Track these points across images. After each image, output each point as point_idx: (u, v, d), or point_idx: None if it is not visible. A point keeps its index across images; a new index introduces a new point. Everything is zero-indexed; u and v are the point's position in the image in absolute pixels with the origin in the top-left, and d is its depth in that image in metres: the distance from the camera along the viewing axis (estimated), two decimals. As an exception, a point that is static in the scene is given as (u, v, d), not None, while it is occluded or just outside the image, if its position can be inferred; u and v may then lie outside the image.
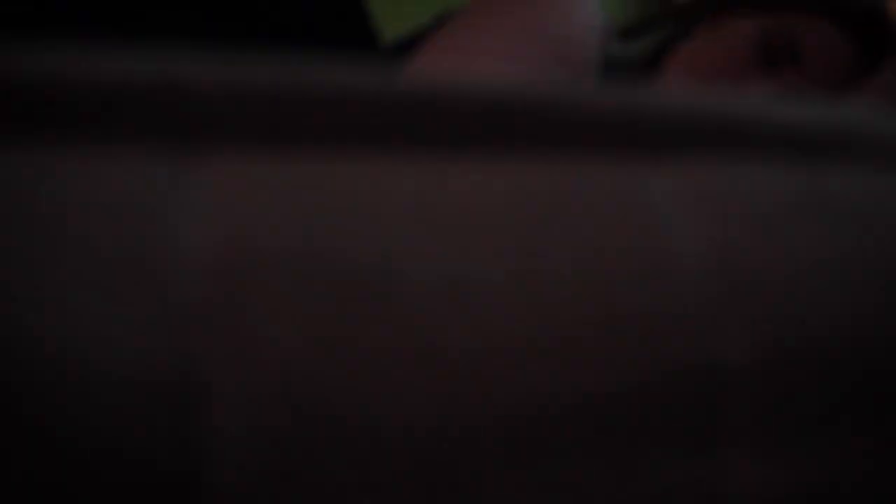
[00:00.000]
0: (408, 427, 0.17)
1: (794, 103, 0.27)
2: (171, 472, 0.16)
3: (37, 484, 0.15)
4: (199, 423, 0.16)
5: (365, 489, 0.17)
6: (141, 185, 0.19)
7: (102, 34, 0.56)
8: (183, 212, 0.18)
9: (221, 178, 0.19)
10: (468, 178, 0.21)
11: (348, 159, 0.21)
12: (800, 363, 0.21)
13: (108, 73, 0.19)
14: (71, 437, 0.15)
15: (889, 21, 0.90)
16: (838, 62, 0.86)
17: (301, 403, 0.17)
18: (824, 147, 0.27)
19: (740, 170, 0.25)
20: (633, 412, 0.19)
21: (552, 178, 0.22)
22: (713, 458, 0.20)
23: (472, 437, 0.18)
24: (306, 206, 0.19)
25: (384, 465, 0.17)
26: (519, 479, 0.18)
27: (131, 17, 0.63)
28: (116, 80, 0.19)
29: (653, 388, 0.20)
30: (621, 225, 0.22)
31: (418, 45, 0.87)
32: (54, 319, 0.17)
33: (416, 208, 0.20)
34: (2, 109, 0.18)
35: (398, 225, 0.20)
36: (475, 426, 0.18)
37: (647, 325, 0.21)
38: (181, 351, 0.17)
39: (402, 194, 0.21)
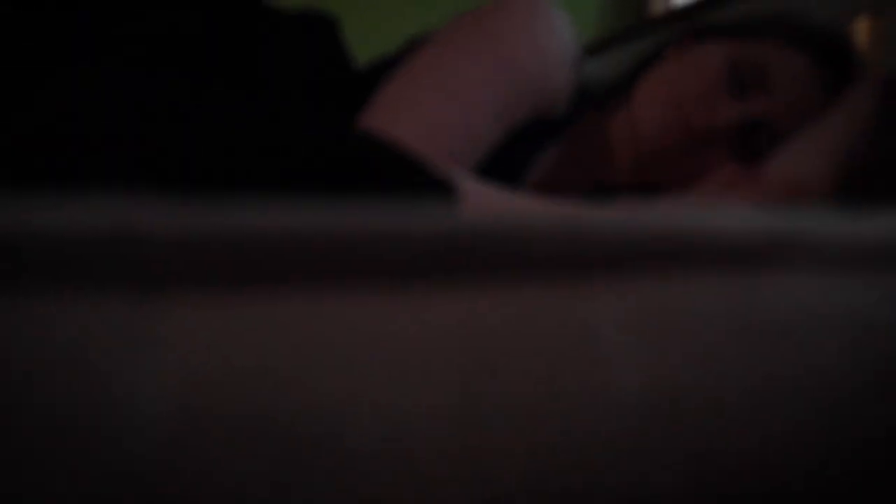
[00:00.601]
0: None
1: (728, 214, 0.29)
2: None
3: None
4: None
5: None
6: (98, 333, 0.20)
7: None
8: (139, 369, 0.19)
9: (179, 327, 0.20)
10: (412, 313, 0.23)
11: (298, 301, 0.22)
12: (718, 495, 0.22)
13: (63, 225, 0.20)
14: None
15: (851, 48, 0.92)
16: (807, 89, 0.87)
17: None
18: (760, 257, 0.29)
19: (680, 287, 0.26)
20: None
21: (497, 311, 0.23)
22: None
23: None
24: (258, 354, 0.20)
25: None
26: None
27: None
28: (73, 230, 0.20)
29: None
30: (570, 358, 0.23)
31: (392, 67, 0.87)
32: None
33: (360, 348, 0.22)
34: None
35: (343, 367, 0.21)
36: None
37: (587, 459, 0.22)
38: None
39: (348, 334, 0.22)
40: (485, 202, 0.66)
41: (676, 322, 0.25)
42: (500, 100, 0.81)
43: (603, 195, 0.99)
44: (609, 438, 0.22)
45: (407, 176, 0.48)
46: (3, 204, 0.20)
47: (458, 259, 0.23)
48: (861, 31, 1.87)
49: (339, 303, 0.22)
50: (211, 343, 0.20)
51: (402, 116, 0.77)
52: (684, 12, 2.06)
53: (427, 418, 0.20)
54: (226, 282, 0.21)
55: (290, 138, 0.45)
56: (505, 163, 0.87)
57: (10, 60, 0.47)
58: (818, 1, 1.57)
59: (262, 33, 0.88)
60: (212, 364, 0.20)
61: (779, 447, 0.23)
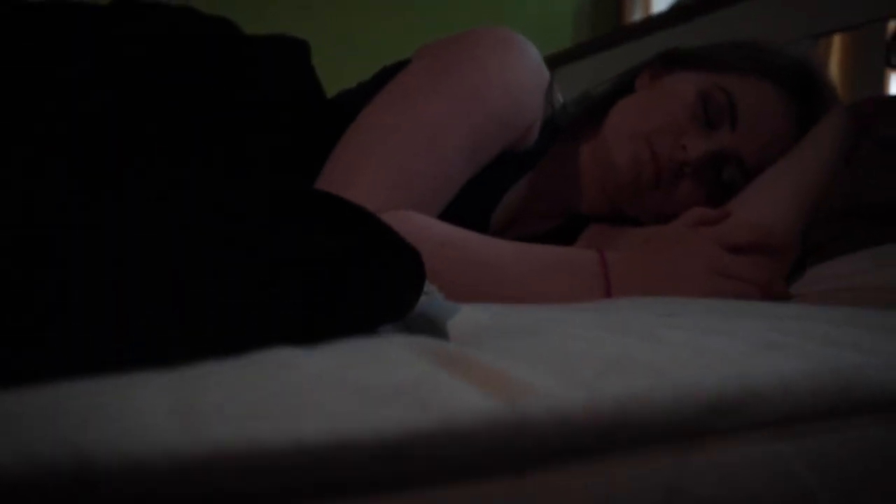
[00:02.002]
0: None
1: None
2: None
3: None
4: None
5: None
6: None
7: None
8: None
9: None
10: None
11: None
12: None
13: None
14: None
15: (821, 79, 0.92)
16: (777, 121, 0.88)
17: None
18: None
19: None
20: None
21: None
22: None
23: None
24: None
25: None
26: None
27: None
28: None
29: None
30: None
31: (364, 97, 0.87)
32: None
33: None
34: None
35: None
36: None
37: None
38: None
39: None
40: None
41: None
42: (469, 143, 0.80)
43: (574, 223, 0.99)
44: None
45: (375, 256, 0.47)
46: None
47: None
48: (833, 46, 1.90)
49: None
50: None
51: (370, 163, 0.77)
52: (659, 21, 2.07)
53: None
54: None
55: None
56: (476, 196, 0.87)
57: None
58: (792, 18, 1.59)
59: (236, 57, 0.88)
60: None
61: None
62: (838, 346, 0.36)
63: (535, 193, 0.96)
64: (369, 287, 0.44)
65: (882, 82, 1.80)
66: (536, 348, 0.35)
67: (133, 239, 0.39)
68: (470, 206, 0.87)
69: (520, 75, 0.86)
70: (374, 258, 0.45)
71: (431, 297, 0.66)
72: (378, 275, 0.45)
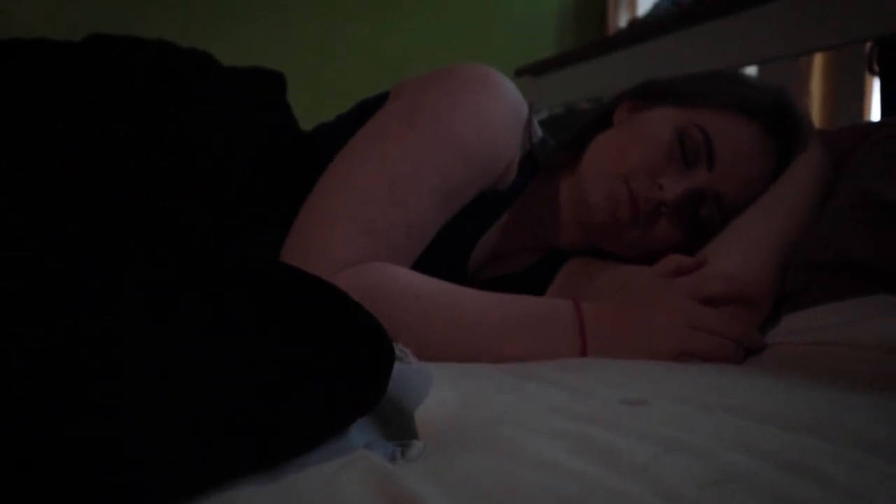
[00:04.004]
0: None
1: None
2: None
3: None
4: None
5: None
6: None
7: None
8: None
9: None
10: None
11: None
12: None
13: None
14: None
15: (796, 114, 0.91)
16: (756, 158, 0.87)
17: None
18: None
19: None
20: None
21: None
22: None
23: None
24: None
25: None
26: None
27: None
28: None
29: None
30: None
31: (338, 134, 0.86)
32: None
33: None
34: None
35: None
36: None
37: None
38: None
39: None
40: None
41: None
42: (442, 189, 0.79)
43: (553, 260, 0.99)
44: None
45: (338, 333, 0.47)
46: None
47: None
48: (814, 64, 1.90)
49: None
50: None
51: (341, 217, 0.76)
52: (643, 30, 2.06)
53: None
54: None
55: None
56: (454, 237, 0.86)
57: None
58: (773, 35, 1.58)
59: (212, 94, 0.87)
60: None
61: None
62: (798, 475, 0.35)
63: (513, 230, 0.96)
64: (337, 395, 0.44)
65: (863, 91, 1.80)
66: (486, 481, 0.35)
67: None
68: (448, 248, 0.86)
69: (495, 117, 0.85)
70: (339, 366, 0.45)
71: (403, 362, 0.66)
72: (345, 382, 0.45)
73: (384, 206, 0.77)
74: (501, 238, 0.95)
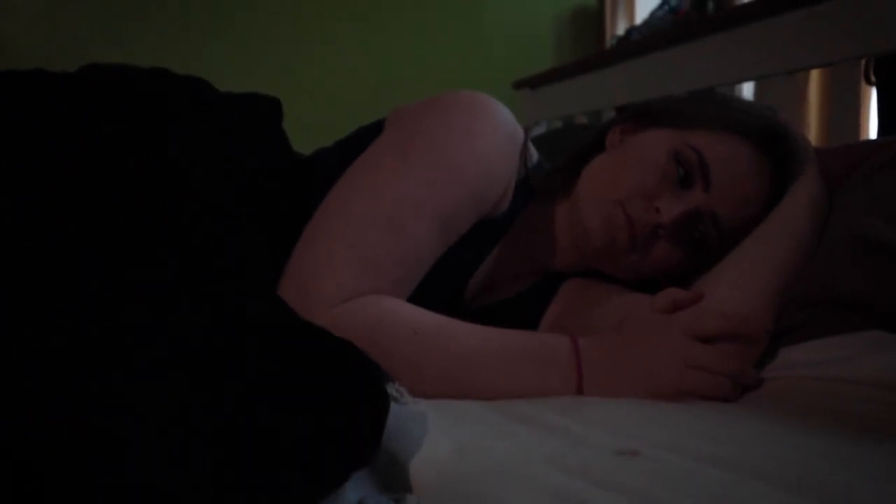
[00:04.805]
0: None
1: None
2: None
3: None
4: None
5: None
6: None
7: None
8: None
9: None
10: None
11: None
12: None
13: None
14: None
15: (792, 137, 0.91)
16: (752, 178, 0.87)
17: None
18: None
19: None
20: None
21: None
22: None
23: None
24: None
25: None
26: None
27: None
28: None
29: None
30: None
31: (336, 162, 0.87)
32: None
33: None
34: None
35: None
36: None
37: None
38: None
39: None
40: None
41: None
42: (438, 219, 0.80)
43: (550, 282, 0.99)
44: None
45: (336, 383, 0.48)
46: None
47: None
48: (811, 75, 1.90)
49: None
50: None
51: (338, 250, 0.76)
52: (641, 44, 2.07)
53: None
54: None
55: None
56: (452, 266, 0.87)
57: None
58: (769, 54, 1.59)
59: (208, 122, 0.88)
60: None
61: None
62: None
63: (510, 256, 0.96)
64: (331, 457, 0.45)
65: (860, 102, 1.80)
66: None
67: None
68: (446, 277, 0.87)
69: (490, 144, 0.85)
70: (334, 427, 0.46)
71: (399, 402, 0.67)
72: (339, 443, 0.45)
73: (380, 238, 0.77)
74: (498, 264, 0.96)
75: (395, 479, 0.51)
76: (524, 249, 0.96)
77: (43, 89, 0.84)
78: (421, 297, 0.80)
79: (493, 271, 0.96)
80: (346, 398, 0.48)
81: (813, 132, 1.91)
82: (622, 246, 0.87)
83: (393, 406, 0.55)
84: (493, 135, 0.86)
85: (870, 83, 1.75)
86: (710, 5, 1.88)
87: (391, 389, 0.67)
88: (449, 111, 0.86)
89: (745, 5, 1.89)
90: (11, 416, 0.38)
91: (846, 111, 1.80)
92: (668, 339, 0.72)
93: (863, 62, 1.67)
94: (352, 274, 0.75)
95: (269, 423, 0.44)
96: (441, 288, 0.85)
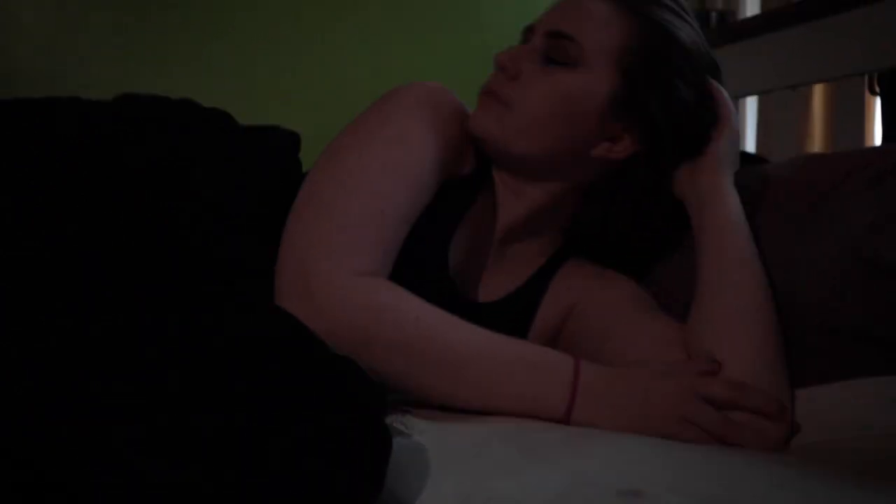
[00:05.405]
0: None
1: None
2: None
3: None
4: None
5: None
6: None
7: None
8: None
9: None
10: None
11: None
12: None
13: None
14: None
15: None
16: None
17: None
18: None
19: None
20: None
21: None
22: None
23: None
24: None
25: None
26: None
27: None
28: None
29: None
30: None
31: None
32: None
33: None
34: None
35: None
36: None
37: None
38: None
39: None
40: None
41: None
42: (401, 179, 0.81)
43: (541, 280, 0.99)
44: None
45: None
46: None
47: None
48: (815, 91, 1.89)
49: None
50: None
51: (329, 222, 0.77)
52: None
53: None
54: None
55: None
56: (427, 232, 0.86)
57: None
58: (772, 69, 1.58)
59: (229, 155, 0.89)
60: None
61: None
62: None
63: (483, 214, 0.95)
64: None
65: (864, 112, 1.80)
66: None
67: None
68: (426, 243, 0.86)
69: (440, 116, 0.87)
70: (337, 469, 0.45)
71: (403, 435, 0.66)
72: (342, 485, 0.45)
73: (362, 203, 0.78)
74: (474, 223, 0.94)
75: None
76: (493, 207, 0.96)
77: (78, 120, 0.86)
78: (406, 268, 0.80)
79: (471, 238, 0.94)
80: (348, 445, 0.47)
81: (817, 142, 1.90)
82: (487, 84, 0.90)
83: (396, 441, 0.55)
84: (440, 109, 0.87)
85: (874, 93, 1.74)
86: (714, 19, 1.87)
87: (396, 422, 0.67)
88: (396, 91, 0.88)
89: (747, 20, 1.89)
90: (11, 417, 0.38)
91: (850, 121, 1.79)
92: (675, 390, 0.73)
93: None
94: (345, 251, 0.75)
95: (268, 424, 0.44)
96: (421, 259, 0.84)
